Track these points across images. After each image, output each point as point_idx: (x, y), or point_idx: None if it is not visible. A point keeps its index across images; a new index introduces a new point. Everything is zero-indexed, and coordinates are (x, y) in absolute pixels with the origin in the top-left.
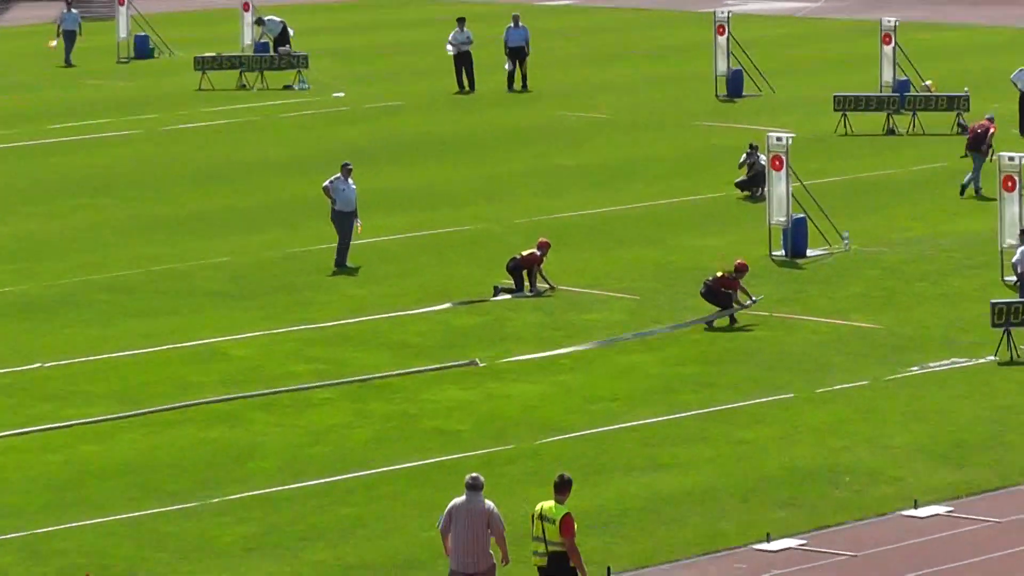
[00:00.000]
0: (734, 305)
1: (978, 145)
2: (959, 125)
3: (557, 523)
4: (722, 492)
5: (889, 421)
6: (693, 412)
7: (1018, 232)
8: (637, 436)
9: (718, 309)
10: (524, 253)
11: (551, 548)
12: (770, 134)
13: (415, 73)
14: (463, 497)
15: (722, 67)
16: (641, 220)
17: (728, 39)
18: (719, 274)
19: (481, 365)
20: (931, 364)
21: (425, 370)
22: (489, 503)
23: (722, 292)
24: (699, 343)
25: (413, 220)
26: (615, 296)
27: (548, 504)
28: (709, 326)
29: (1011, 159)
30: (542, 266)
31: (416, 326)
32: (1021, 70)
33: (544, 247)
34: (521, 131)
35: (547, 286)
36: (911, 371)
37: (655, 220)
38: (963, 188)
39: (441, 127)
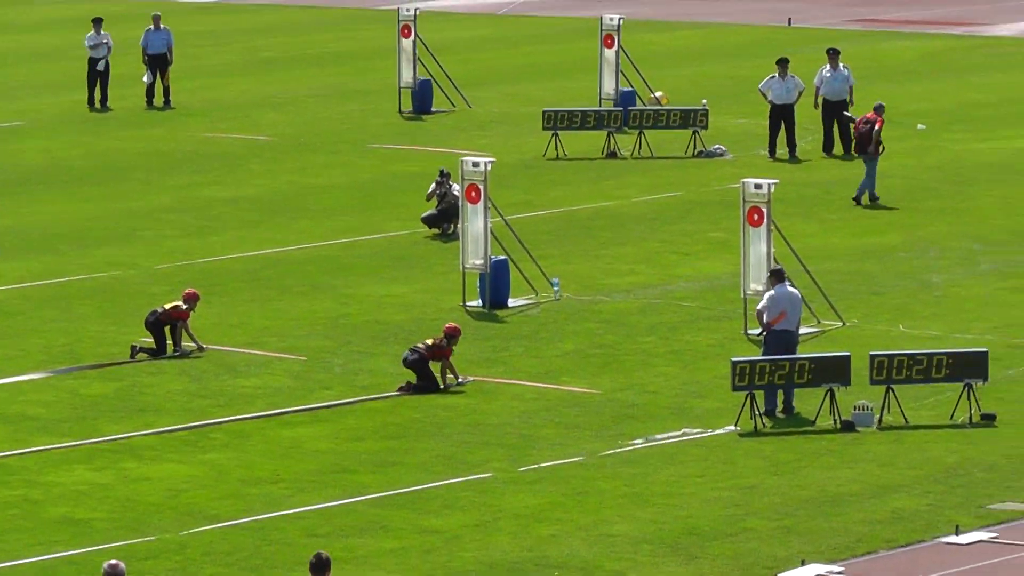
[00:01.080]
0: (440, 384)
1: (865, 146)
2: (848, 120)
3: None
4: None
5: (607, 505)
6: (372, 496)
7: (767, 274)
8: (304, 525)
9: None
10: (167, 306)
11: None
12: (465, 159)
13: (38, 86)
14: None
15: (407, 77)
16: (309, 264)
17: (415, 43)
18: (429, 342)
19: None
20: (658, 436)
21: (48, 449)
22: None
23: (429, 366)
24: (379, 413)
25: (33, 266)
26: (277, 357)
27: None
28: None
29: (757, 187)
30: (188, 321)
31: (38, 395)
32: (771, 77)
33: (192, 299)
34: (163, 156)
35: (194, 345)
36: (634, 445)
37: (326, 264)
38: (857, 197)
39: (67, 152)
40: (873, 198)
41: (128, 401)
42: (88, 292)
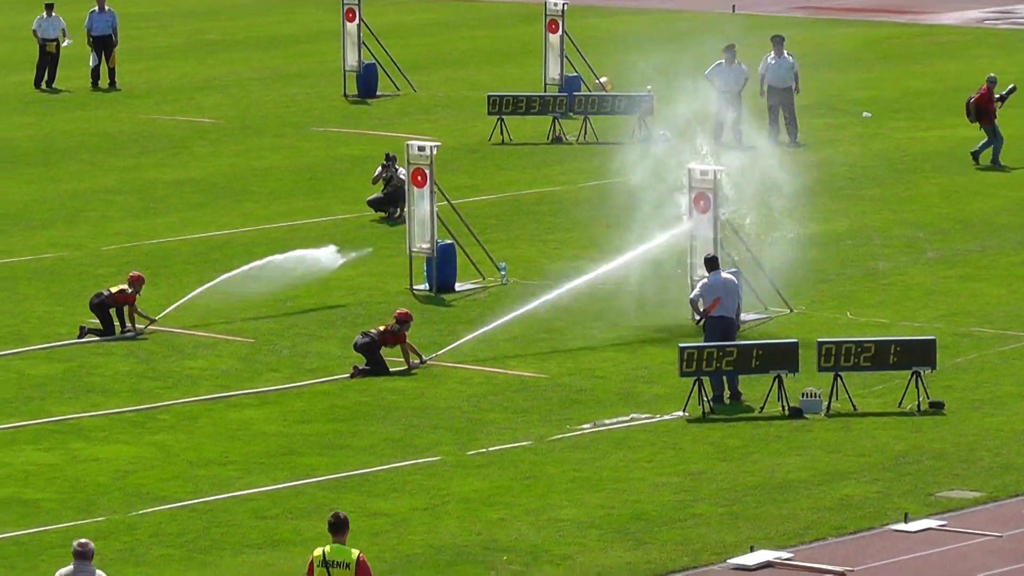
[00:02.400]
0: (387, 368)
1: (969, 115)
2: (999, 99)
3: (353, 567)
4: None
5: (555, 490)
6: (320, 478)
7: (704, 260)
8: (252, 507)
9: (371, 365)
10: (113, 289)
11: None
12: (411, 143)
13: None
14: (70, 567)
15: (352, 60)
16: (255, 246)
17: (360, 26)
18: (382, 328)
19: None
20: (607, 421)
21: None
22: (102, 573)
23: (379, 351)
24: (327, 396)
25: None
26: (224, 339)
27: (330, 548)
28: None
29: (703, 174)
30: (135, 304)
31: None
32: (718, 64)
33: (137, 282)
34: (108, 138)
35: (147, 321)
36: (582, 430)
37: (272, 246)
38: (994, 159)
39: (12, 133)
40: (975, 156)
41: (76, 382)
42: (34, 273)
